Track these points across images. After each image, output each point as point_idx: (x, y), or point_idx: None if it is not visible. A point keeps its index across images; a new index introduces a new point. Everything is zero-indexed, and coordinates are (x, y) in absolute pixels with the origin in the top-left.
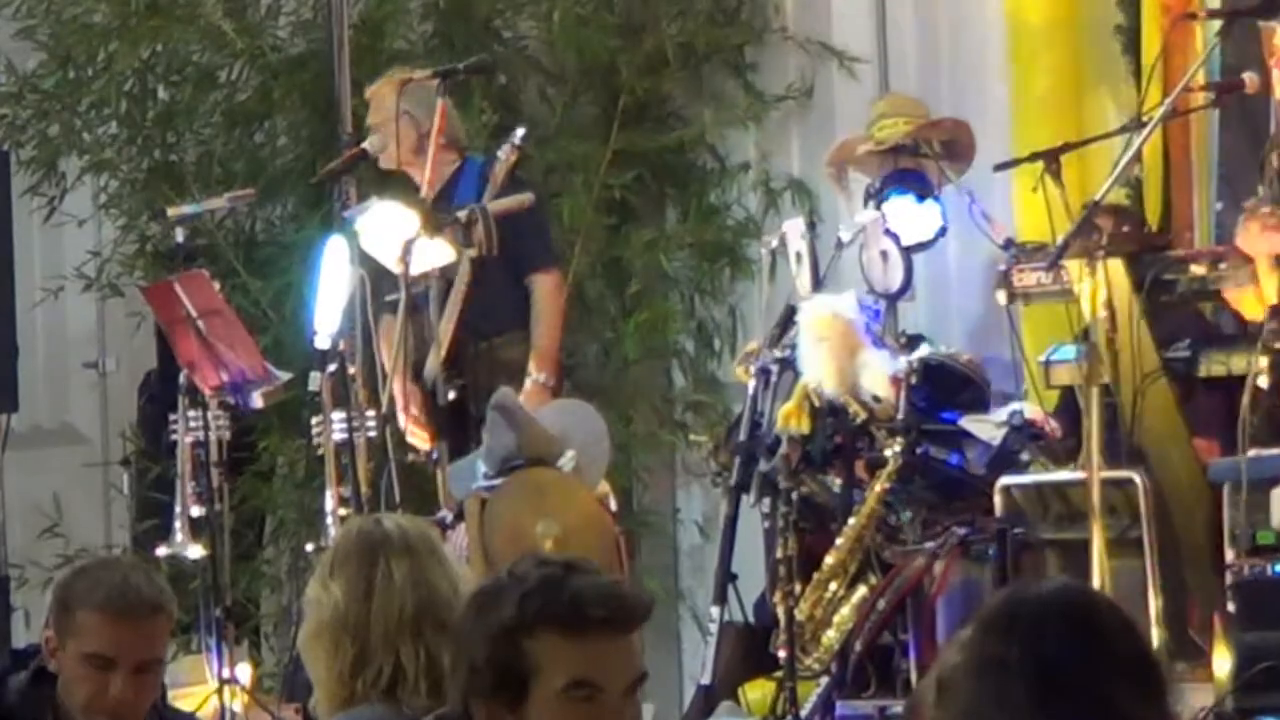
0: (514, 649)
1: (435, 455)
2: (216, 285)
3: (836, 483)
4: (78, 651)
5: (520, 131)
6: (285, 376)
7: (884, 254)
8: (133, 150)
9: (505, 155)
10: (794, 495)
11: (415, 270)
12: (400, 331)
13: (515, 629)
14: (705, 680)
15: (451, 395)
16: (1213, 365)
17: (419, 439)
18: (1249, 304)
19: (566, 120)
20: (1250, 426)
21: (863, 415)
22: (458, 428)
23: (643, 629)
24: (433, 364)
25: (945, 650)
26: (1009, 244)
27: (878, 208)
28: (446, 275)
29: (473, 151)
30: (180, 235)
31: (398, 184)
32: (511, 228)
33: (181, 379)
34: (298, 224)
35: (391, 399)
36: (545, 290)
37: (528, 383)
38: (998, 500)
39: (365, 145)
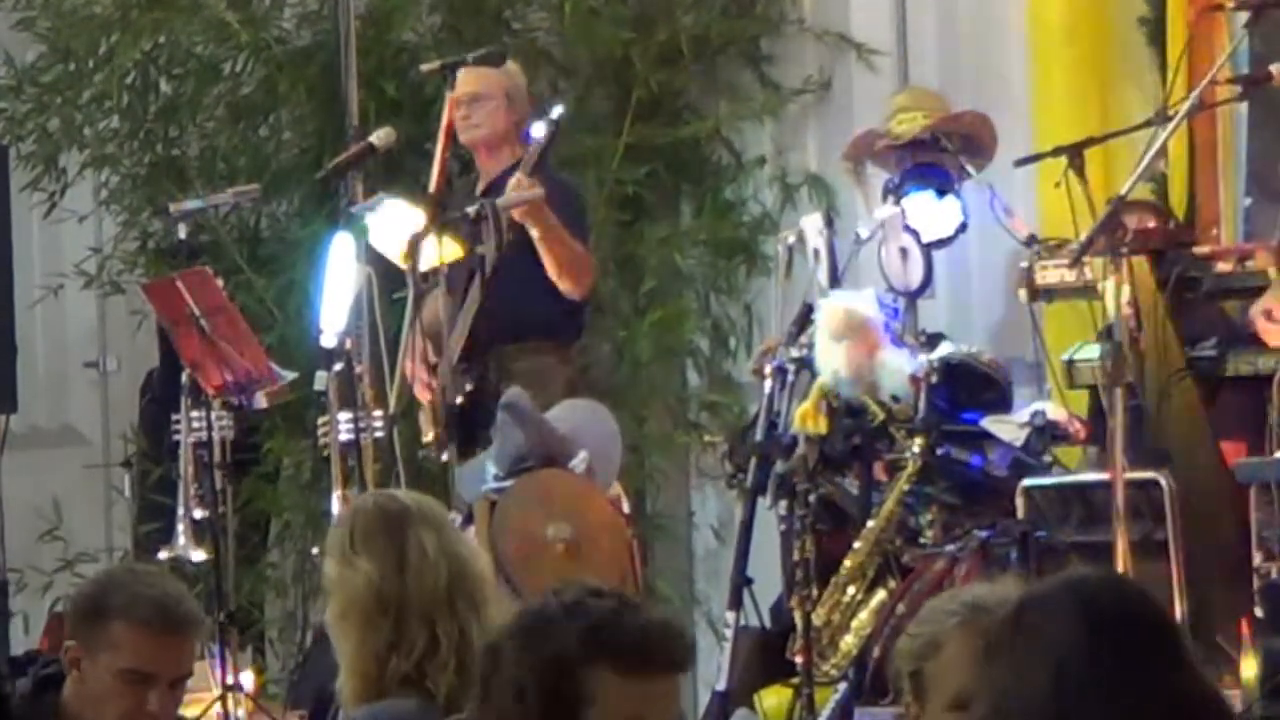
0: (569, 681)
1: (444, 456)
2: (220, 282)
3: (855, 484)
4: (113, 666)
5: (559, 109)
6: (290, 376)
7: (903, 250)
8: (134, 145)
9: (541, 134)
10: (811, 497)
11: (423, 266)
12: (409, 328)
13: (575, 661)
14: (721, 687)
15: (459, 399)
16: (1240, 365)
17: (422, 396)
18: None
19: (578, 114)
20: (1279, 427)
21: (882, 416)
22: (465, 431)
23: None
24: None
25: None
26: (1031, 240)
27: (897, 203)
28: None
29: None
30: (183, 231)
31: (404, 179)
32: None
33: (184, 379)
34: (303, 220)
35: (400, 396)
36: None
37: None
38: (1020, 502)
39: (372, 139)
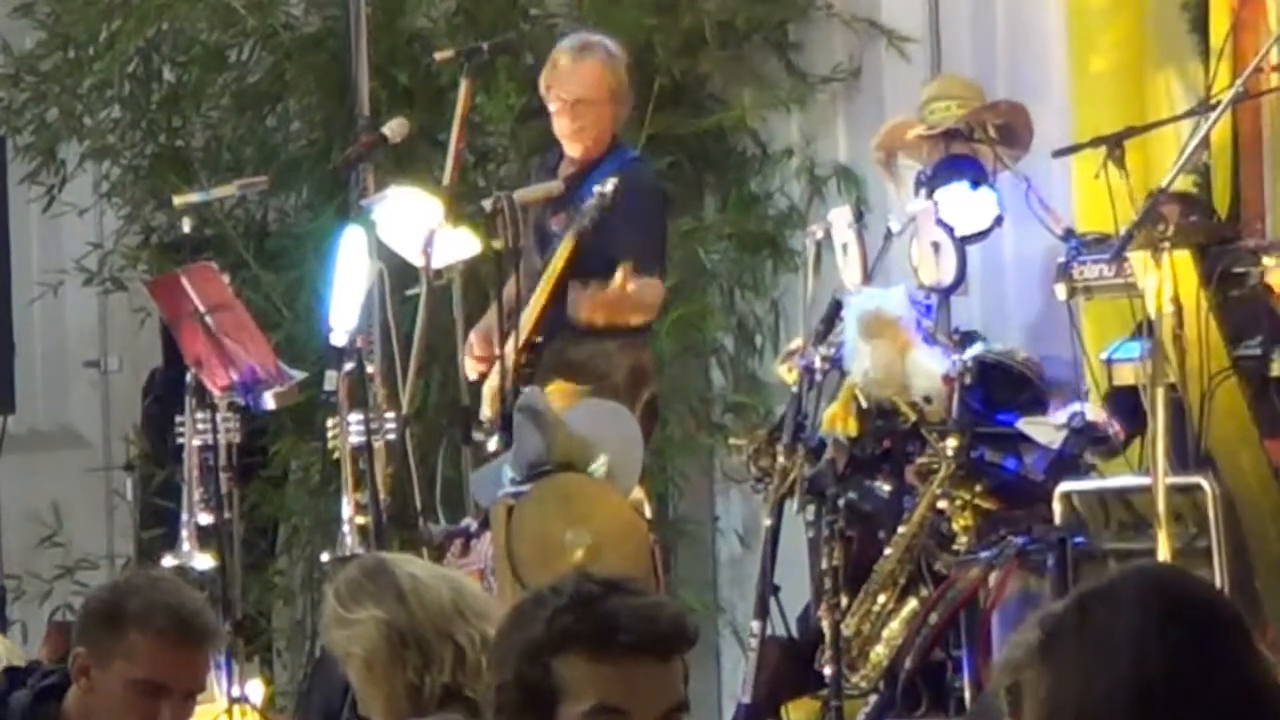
0: (541, 668)
1: (492, 445)
2: (226, 278)
3: (885, 489)
4: (126, 676)
5: (612, 182)
6: (299, 376)
7: (936, 245)
8: (136, 135)
9: (596, 200)
10: (840, 502)
11: (438, 263)
12: (421, 326)
13: (543, 647)
14: (746, 699)
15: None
16: None
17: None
18: None
19: None
20: None
21: (913, 417)
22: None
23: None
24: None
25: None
26: (1069, 235)
27: (929, 196)
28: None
29: (499, 134)
30: (187, 225)
31: (417, 171)
32: (621, 226)
33: (188, 378)
34: (312, 213)
35: (411, 398)
36: (624, 275)
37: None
38: (1057, 507)
39: (385, 130)
